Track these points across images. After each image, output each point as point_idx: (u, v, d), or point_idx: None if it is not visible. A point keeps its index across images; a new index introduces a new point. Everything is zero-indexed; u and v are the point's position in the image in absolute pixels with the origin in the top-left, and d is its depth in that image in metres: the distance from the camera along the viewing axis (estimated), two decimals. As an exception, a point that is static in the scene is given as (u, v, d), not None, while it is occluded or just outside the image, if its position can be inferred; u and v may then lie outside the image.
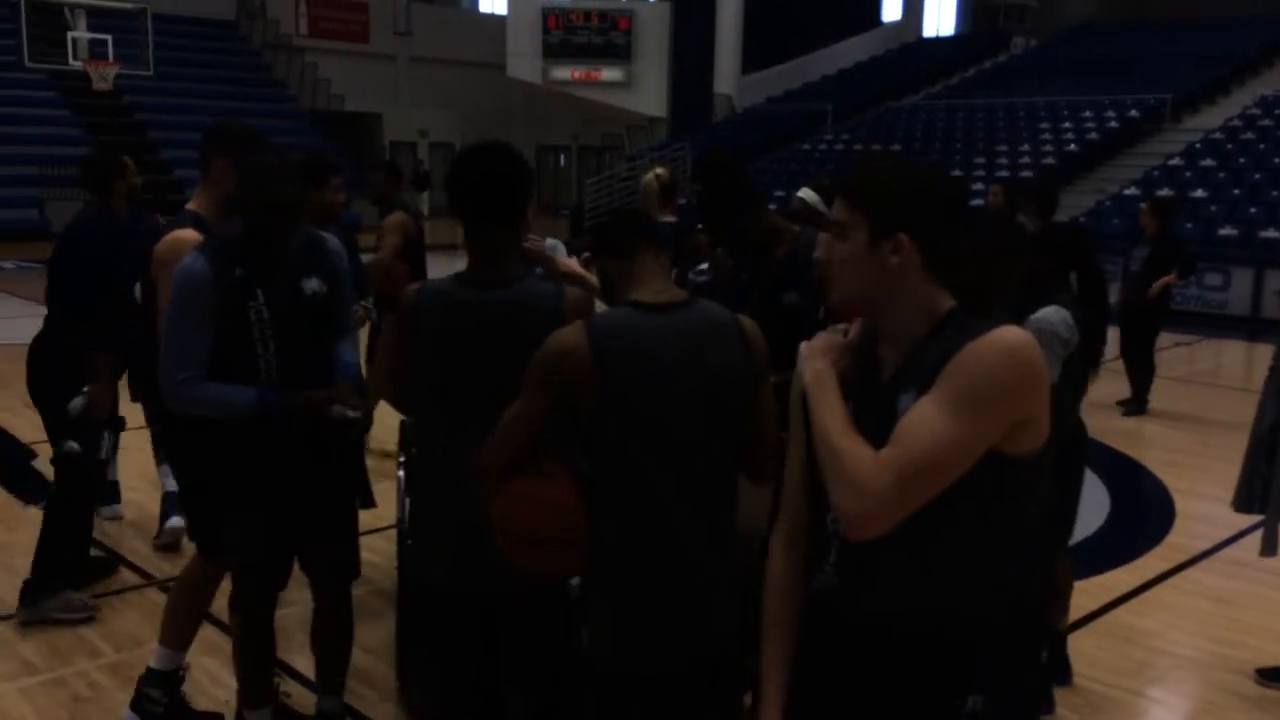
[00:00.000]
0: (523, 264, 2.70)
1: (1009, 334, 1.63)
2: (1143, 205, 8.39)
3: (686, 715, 2.21)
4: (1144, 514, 6.08)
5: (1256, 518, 5.66)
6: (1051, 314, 3.45)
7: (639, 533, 2.15)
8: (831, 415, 1.68)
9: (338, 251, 3.10)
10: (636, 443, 2.14)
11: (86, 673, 3.81)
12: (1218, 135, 18.04)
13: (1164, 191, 16.32)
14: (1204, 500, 6.17)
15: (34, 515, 4.87)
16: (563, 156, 33.27)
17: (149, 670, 3.41)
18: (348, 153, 25.41)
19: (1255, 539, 5.49)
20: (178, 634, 3.42)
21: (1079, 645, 4.10)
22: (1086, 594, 4.24)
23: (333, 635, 3.30)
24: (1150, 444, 7.40)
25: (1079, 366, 3.63)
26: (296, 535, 3.09)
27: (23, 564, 4.31)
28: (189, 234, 3.16)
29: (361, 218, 23.02)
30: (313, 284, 2.96)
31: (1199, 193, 16.04)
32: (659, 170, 5.02)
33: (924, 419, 1.59)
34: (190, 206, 3.37)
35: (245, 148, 3.17)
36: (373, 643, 3.97)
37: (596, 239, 2.37)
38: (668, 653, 2.20)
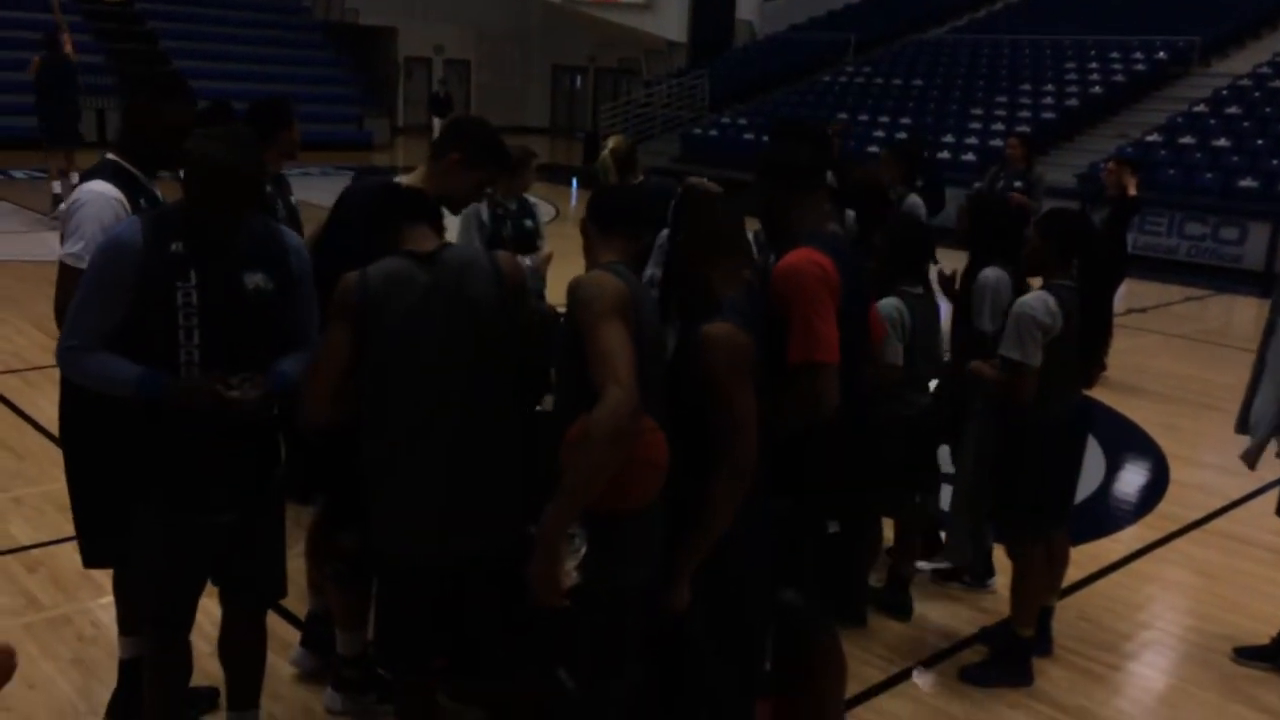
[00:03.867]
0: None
1: None
2: (1108, 164, 8.39)
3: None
4: (1137, 481, 6.13)
5: (1249, 488, 5.74)
6: (1033, 299, 3.54)
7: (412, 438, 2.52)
8: None
9: (297, 250, 2.77)
10: None
11: (90, 610, 3.91)
12: (1245, 82, 17.67)
13: (1186, 139, 16.13)
14: (1200, 468, 6.21)
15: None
16: (579, 78, 32.81)
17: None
18: (360, 68, 25.12)
19: (1247, 510, 5.57)
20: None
21: (1063, 615, 4.17)
22: (1074, 564, 4.28)
23: (246, 654, 2.99)
24: (1149, 406, 7.41)
25: (1071, 349, 3.65)
26: (208, 548, 2.74)
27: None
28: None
29: (374, 134, 22.87)
30: (257, 278, 2.63)
31: (1222, 141, 15.80)
32: (614, 142, 5.13)
33: None
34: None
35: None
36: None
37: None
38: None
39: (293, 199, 4.21)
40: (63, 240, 2.85)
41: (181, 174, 2.59)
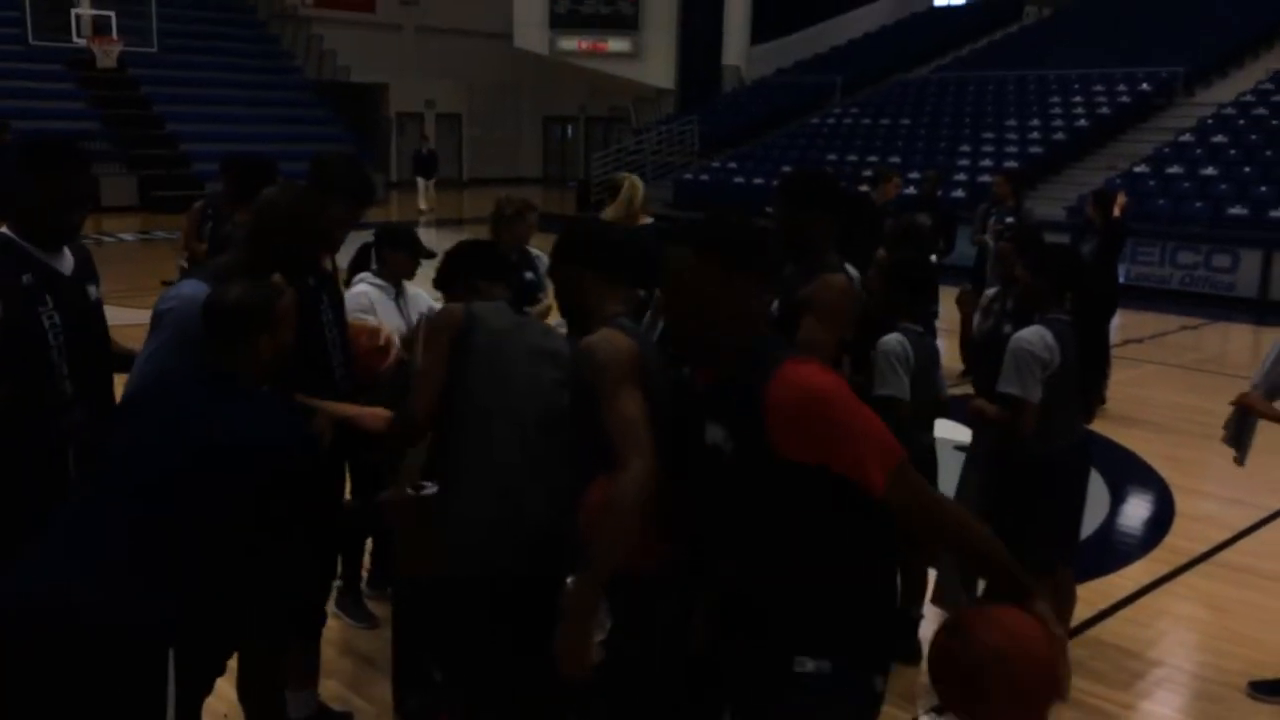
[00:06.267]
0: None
1: None
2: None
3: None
4: (1142, 514, 6.09)
5: (1256, 518, 5.72)
6: (1030, 334, 3.55)
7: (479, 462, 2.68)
8: None
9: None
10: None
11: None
12: (1230, 110, 17.85)
13: (1174, 169, 16.25)
14: (1204, 499, 6.18)
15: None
16: (570, 128, 33.10)
17: None
18: (352, 125, 25.33)
19: (1254, 541, 5.54)
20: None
21: (1073, 655, 4.09)
22: (1082, 601, 4.25)
23: (262, 693, 3.09)
24: (1150, 437, 7.39)
25: (1070, 384, 3.65)
26: None
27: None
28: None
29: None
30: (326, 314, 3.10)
31: (1209, 170, 15.92)
32: (633, 182, 5.19)
33: None
34: None
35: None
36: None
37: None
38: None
39: None
40: None
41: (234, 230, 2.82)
